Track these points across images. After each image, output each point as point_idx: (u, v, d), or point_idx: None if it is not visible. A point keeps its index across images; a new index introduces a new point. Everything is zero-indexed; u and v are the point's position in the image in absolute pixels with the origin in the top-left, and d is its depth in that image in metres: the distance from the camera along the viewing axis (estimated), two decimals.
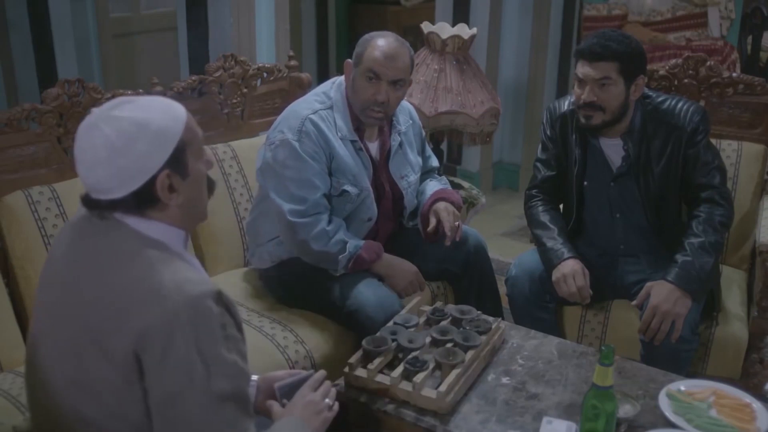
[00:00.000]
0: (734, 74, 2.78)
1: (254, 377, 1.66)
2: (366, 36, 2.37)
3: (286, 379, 1.66)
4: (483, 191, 3.63)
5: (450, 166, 4.76)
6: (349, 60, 2.38)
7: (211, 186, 1.53)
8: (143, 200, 1.39)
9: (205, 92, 2.67)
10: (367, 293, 2.28)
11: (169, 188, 1.40)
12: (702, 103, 2.76)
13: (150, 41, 5.03)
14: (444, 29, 3.14)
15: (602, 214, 2.48)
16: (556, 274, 2.35)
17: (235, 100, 2.76)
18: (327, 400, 1.61)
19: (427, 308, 2.19)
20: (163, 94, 2.51)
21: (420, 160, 2.60)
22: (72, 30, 4.15)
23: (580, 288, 2.32)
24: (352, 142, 2.37)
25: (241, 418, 1.36)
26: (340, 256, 2.29)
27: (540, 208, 2.53)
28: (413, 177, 2.54)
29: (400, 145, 2.49)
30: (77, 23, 4.20)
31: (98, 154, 1.36)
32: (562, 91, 4.93)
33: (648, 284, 2.28)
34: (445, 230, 2.41)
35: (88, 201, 1.42)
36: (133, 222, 1.41)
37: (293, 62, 2.96)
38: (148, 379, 1.33)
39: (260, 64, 2.88)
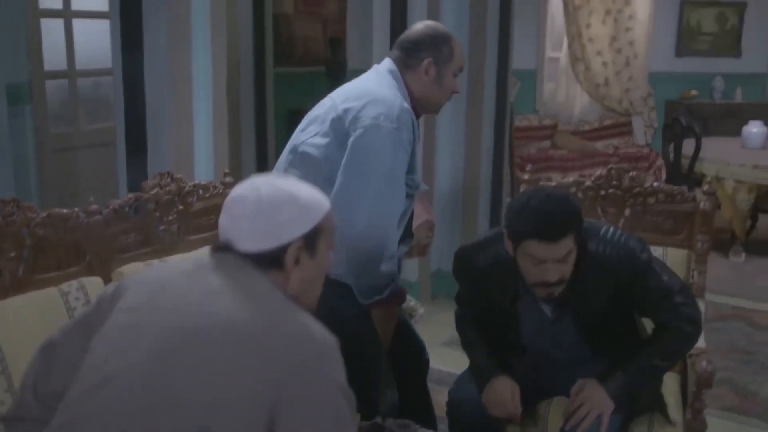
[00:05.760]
0: (655, 184, 2.89)
1: None
2: (440, 33, 2.35)
3: None
4: (422, 300, 3.66)
5: None
6: (431, 59, 2.32)
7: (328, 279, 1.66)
8: (270, 261, 1.51)
9: (141, 210, 2.68)
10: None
11: (296, 260, 1.52)
12: (627, 211, 2.86)
13: (90, 156, 5.05)
14: None
15: (542, 355, 2.42)
16: (485, 396, 2.32)
17: (171, 218, 2.77)
18: None
19: (365, 424, 2.17)
20: (99, 213, 2.51)
21: None
22: (11, 146, 4.14)
23: (511, 414, 2.28)
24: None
25: None
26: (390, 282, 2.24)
27: (469, 327, 2.49)
28: None
29: None
30: (16, 138, 4.21)
31: (247, 208, 1.52)
32: (496, 197, 5.01)
33: (580, 381, 2.26)
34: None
35: (222, 246, 1.54)
36: (262, 273, 1.50)
37: (228, 179, 3.00)
38: (293, 419, 1.34)
39: (196, 182, 2.91)
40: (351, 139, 2.17)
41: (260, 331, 1.39)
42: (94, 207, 2.51)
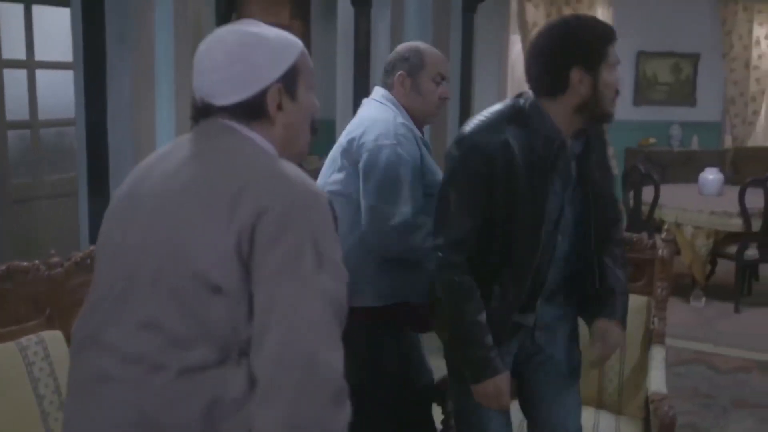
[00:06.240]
0: None
1: None
2: (409, 46, 2.55)
3: None
4: None
5: None
6: (402, 72, 2.50)
7: (314, 126, 1.59)
8: (252, 111, 1.46)
9: None
10: None
11: (279, 105, 1.47)
12: None
13: (52, 207, 4.99)
14: None
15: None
16: (482, 387, 2.14)
17: None
18: None
19: None
20: (61, 265, 2.49)
21: None
22: None
23: (503, 406, 2.22)
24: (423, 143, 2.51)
25: (336, 329, 1.33)
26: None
27: (468, 287, 2.10)
28: None
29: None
30: None
31: (216, 59, 1.46)
32: None
33: (598, 327, 2.23)
34: None
35: (201, 109, 1.49)
36: (244, 130, 1.46)
37: None
38: (257, 258, 1.31)
39: None
40: (360, 164, 2.38)
41: (231, 179, 1.37)
42: (55, 259, 2.49)
